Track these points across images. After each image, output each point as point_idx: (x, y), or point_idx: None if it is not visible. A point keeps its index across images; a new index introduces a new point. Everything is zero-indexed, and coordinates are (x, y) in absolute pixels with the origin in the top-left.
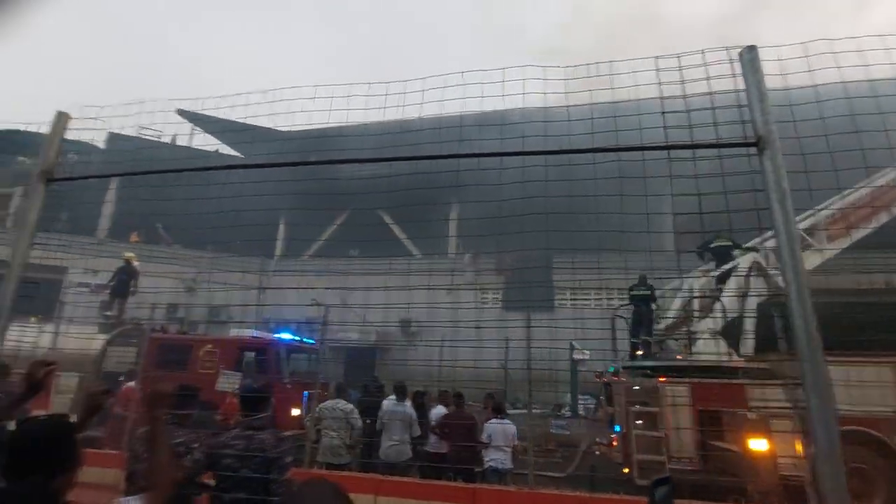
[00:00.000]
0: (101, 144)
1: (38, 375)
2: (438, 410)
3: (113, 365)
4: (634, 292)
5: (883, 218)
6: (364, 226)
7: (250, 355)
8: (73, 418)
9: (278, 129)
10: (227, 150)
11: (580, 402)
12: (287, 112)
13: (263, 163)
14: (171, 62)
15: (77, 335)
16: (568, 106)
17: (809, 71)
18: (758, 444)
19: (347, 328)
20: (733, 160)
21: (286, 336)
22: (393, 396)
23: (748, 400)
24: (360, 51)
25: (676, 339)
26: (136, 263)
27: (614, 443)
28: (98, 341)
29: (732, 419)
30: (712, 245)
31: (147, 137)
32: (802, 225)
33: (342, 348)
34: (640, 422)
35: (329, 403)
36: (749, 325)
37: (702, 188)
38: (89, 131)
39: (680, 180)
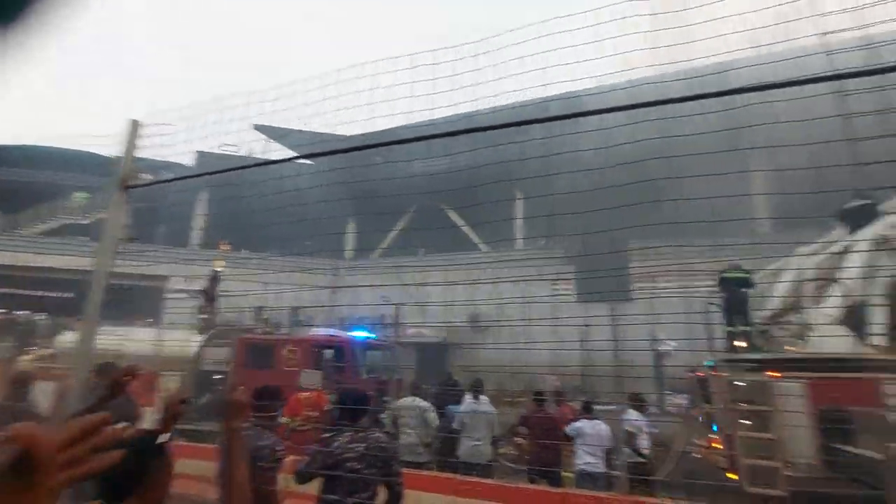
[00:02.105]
0: (190, 163)
1: (122, 382)
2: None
3: (209, 364)
4: (727, 275)
5: None
6: (430, 227)
7: (329, 353)
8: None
9: (343, 134)
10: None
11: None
12: (352, 107)
13: (317, 152)
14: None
15: (176, 338)
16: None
17: None
18: None
19: (418, 325)
20: None
21: (361, 334)
22: (469, 395)
23: (885, 398)
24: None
25: (784, 328)
26: (221, 270)
27: (714, 444)
28: (195, 343)
29: (867, 420)
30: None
31: (229, 153)
32: None
33: (413, 345)
34: (746, 422)
35: (406, 401)
36: (882, 310)
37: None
38: (163, 146)
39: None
